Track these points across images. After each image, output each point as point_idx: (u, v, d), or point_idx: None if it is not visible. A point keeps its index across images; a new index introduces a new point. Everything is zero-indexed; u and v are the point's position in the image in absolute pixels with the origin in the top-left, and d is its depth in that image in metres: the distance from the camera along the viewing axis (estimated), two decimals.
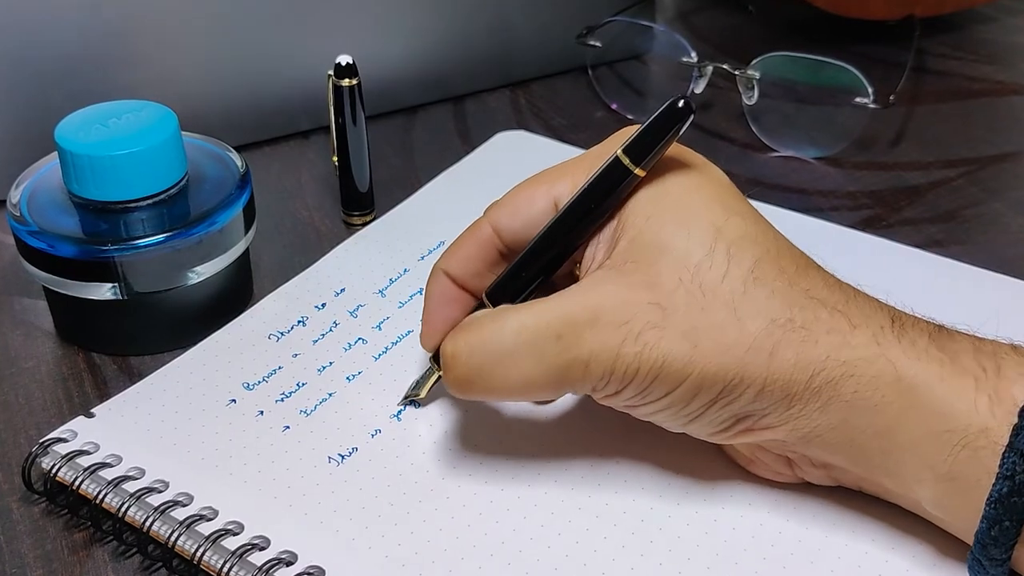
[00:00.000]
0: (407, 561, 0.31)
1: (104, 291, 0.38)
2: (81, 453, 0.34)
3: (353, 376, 0.38)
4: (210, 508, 0.32)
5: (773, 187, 0.52)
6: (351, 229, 0.48)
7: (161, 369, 0.38)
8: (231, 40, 0.52)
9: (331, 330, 0.40)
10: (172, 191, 0.39)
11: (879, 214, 0.50)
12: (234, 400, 0.37)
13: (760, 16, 0.71)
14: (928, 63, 0.65)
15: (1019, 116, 0.60)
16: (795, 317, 0.29)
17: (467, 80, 0.60)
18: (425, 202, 0.49)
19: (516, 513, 0.32)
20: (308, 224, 0.49)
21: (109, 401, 0.37)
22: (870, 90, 0.52)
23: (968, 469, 0.28)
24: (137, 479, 0.33)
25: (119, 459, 0.34)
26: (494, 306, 0.33)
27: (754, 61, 0.54)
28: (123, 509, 0.32)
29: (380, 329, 0.40)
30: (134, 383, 0.38)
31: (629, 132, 0.32)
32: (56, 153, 0.38)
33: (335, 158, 0.48)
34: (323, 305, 0.42)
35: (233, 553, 0.31)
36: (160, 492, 0.33)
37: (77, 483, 0.33)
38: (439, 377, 0.35)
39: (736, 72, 0.55)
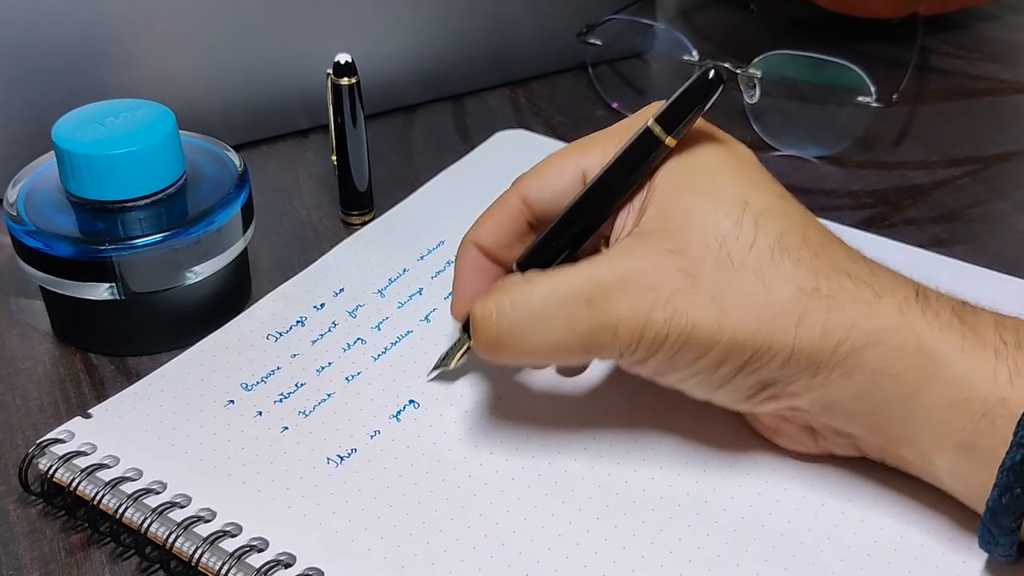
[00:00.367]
0: (406, 563, 0.31)
1: (101, 291, 0.38)
2: (78, 454, 0.34)
3: (352, 377, 0.38)
4: (208, 510, 0.32)
5: None
6: (350, 229, 0.48)
7: (159, 369, 0.38)
8: (229, 39, 0.52)
9: (330, 330, 0.40)
10: (170, 190, 0.39)
11: (882, 213, 0.50)
12: (232, 401, 0.37)
13: (762, 14, 0.71)
14: (931, 61, 0.65)
15: (1023, 115, 0.60)
16: (821, 286, 0.30)
17: (467, 79, 0.60)
18: (424, 201, 0.49)
19: (517, 514, 0.32)
20: (307, 224, 0.49)
21: (107, 402, 0.36)
22: (873, 89, 0.51)
23: (985, 438, 0.28)
24: (135, 480, 0.33)
25: (117, 460, 0.34)
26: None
27: (756, 60, 0.54)
28: (121, 510, 0.32)
29: (379, 329, 0.40)
30: (132, 383, 0.37)
31: (654, 108, 0.32)
32: (53, 152, 0.38)
33: (334, 157, 0.48)
34: (322, 305, 0.42)
35: (231, 555, 0.30)
36: (158, 493, 0.32)
37: (74, 484, 0.33)
38: (468, 348, 0.36)
39: (737, 71, 0.55)
